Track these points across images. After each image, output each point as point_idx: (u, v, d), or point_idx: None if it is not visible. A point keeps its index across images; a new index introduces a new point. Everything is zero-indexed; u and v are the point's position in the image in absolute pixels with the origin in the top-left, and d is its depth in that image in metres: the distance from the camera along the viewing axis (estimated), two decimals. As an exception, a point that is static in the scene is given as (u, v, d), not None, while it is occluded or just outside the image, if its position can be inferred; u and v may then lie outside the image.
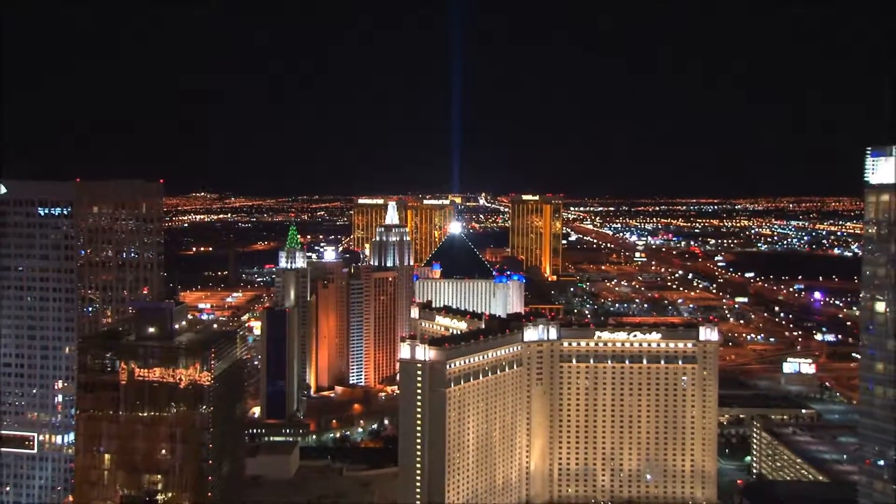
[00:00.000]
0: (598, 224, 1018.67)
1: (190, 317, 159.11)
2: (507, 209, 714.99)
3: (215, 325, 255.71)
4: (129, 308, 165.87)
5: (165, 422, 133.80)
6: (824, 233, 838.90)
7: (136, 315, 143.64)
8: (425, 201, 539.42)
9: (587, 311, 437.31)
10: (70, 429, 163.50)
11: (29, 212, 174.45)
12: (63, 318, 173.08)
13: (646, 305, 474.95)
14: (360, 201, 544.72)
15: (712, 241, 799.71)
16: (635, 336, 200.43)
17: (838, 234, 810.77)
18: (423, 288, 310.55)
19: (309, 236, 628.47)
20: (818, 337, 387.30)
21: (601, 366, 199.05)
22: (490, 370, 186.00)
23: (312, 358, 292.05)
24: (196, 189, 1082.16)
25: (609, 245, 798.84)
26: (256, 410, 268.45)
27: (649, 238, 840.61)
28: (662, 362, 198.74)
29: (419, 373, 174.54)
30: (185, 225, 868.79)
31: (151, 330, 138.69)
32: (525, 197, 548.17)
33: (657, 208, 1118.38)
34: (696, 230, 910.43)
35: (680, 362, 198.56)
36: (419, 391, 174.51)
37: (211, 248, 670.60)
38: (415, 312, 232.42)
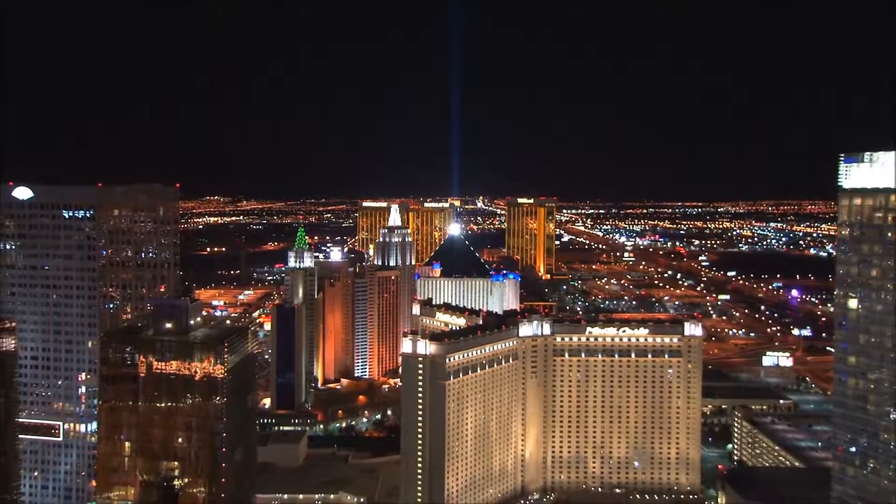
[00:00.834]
0: (590, 226, 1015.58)
1: (204, 313, 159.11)
2: (503, 212, 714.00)
3: (228, 321, 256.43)
4: (147, 305, 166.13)
5: (182, 412, 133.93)
6: (801, 234, 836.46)
7: (154, 311, 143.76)
8: (426, 204, 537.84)
9: (579, 308, 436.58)
10: (93, 418, 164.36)
11: (55, 214, 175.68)
12: (86, 314, 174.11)
13: (634, 302, 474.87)
14: (365, 204, 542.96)
15: (696, 242, 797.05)
16: (624, 331, 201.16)
17: (814, 235, 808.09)
18: (423, 286, 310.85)
19: (316, 237, 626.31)
20: (795, 332, 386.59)
21: (592, 359, 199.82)
22: (487, 364, 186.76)
23: (319, 352, 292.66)
24: (210, 193, 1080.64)
25: (600, 246, 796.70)
26: (267, 401, 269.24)
27: (637, 239, 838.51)
28: (650, 356, 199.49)
29: (420, 366, 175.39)
30: (200, 227, 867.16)
31: (168, 325, 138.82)
32: (520, 200, 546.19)
33: (644, 211, 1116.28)
34: (682, 232, 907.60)
35: (666, 356, 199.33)
36: (420, 383, 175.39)
37: (224, 249, 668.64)
38: (416, 309, 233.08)
